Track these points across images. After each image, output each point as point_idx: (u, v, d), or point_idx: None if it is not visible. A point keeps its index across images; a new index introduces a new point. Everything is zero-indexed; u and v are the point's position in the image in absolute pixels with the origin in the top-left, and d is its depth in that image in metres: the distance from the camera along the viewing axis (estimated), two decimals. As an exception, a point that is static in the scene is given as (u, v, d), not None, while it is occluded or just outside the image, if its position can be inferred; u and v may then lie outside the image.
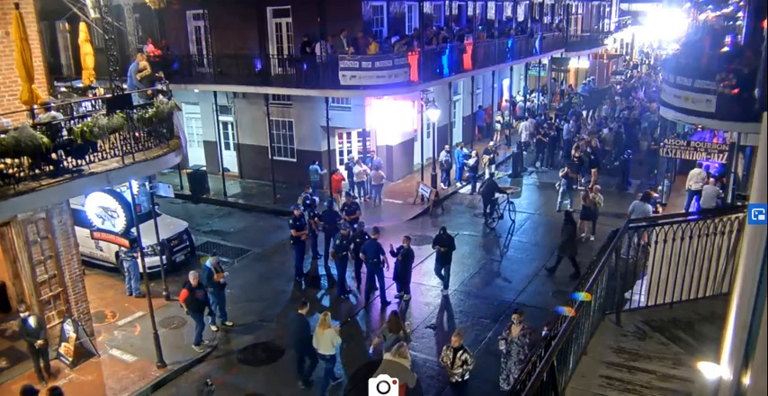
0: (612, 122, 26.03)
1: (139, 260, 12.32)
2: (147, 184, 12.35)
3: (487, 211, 17.75)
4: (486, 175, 20.84)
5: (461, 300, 13.47)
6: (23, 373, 10.44)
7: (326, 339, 9.89)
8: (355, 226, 14.28)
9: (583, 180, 20.16)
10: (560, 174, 18.87)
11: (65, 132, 8.59)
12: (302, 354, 10.50)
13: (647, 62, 47.17)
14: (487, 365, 11.08)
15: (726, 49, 14.52)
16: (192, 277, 11.38)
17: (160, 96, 10.47)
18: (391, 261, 13.05)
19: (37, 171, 8.20)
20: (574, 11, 36.83)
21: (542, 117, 27.77)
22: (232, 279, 13.20)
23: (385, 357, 8.76)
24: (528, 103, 30.30)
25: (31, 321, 10.12)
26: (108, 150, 9.13)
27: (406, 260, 12.89)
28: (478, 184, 19.78)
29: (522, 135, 24.76)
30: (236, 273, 14.47)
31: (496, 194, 17.73)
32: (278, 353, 11.63)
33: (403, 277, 13.09)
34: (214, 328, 12.30)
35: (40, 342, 10.11)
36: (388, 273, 13.25)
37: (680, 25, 29.22)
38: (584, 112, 30.22)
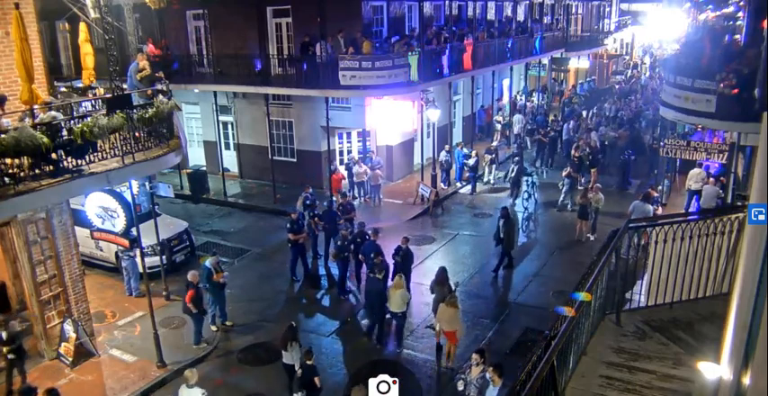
0: (609, 123, 26.42)
1: (138, 260, 12.34)
2: (147, 184, 12.34)
3: (515, 193, 19.47)
4: (489, 169, 21.99)
5: (461, 300, 13.30)
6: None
7: (398, 298, 11.22)
8: (356, 225, 14.28)
9: (583, 180, 20.18)
10: (563, 173, 18.92)
11: (65, 132, 8.58)
12: (376, 312, 11.68)
13: (649, 62, 47.05)
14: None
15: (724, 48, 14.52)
16: (192, 276, 11.45)
17: (160, 96, 10.47)
18: (391, 262, 13.03)
19: (37, 171, 8.20)
20: (574, 11, 36.83)
21: (543, 116, 27.86)
22: (232, 279, 13.18)
23: (440, 306, 10.76)
24: (528, 104, 30.33)
25: (3, 334, 9.93)
26: (108, 150, 9.13)
27: (405, 261, 12.87)
28: (509, 171, 20.60)
29: (515, 128, 26.24)
30: (236, 273, 14.46)
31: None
32: (278, 353, 11.60)
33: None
34: (214, 328, 12.30)
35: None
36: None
37: (680, 25, 29.23)
38: (584, 112, 30.29)
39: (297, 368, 9.42)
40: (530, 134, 26.09)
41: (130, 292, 13.45)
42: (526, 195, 19.14)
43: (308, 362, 9.14)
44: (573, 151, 20.34)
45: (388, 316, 11.78)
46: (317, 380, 9.10)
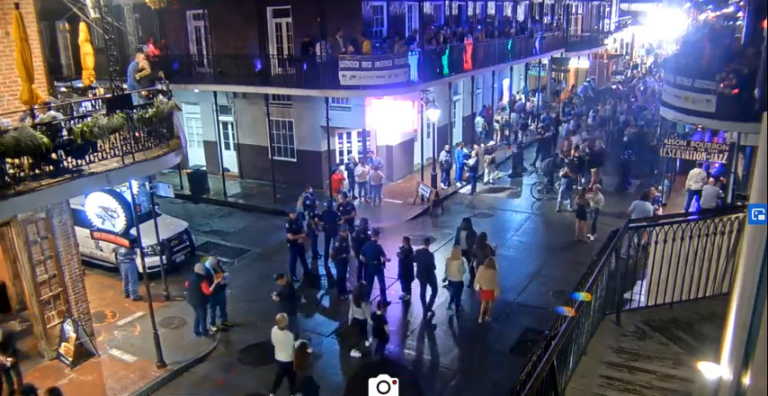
0: (609, 125, 26.56)
1: (138, 261, 12.31)
2: (147, 184, 12.34)
3: (550, 181, 20.63)
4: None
5: (462, 300, 13.41)
6: (23, 372, 10.41)
7: (455, 268, 12.28)
8: (355, 225, 14.26)
9: (583, 180, 20.18)
10: (560, 173, 18.92)
11: (65, 132, 8.59)
12: (427, 282, 12.48)
13: (650, 63, 47.00)
14: (488, 364, 11.13)
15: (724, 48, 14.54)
16: (200, 268, 11.69)
17: (160, 96, 10.47)
18: (394, 262, 13.02)
19: (37, 171, 8.20)
20: (574, 11, 36.84)
21: (545, 114, 27.89)
22: (232, 279, 13.18)
23: (479, 268, 12.04)
24: (528, 103, 30.35)
25: None
26: (108, 150, 9.14)
27: (407, 260, 12.82)
28: (543, 164, 21.43)
29: (514, 126, 26.96)
30: (236, 273, 14.45)
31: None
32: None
33: (405, 276, 13.00)
34: (214, 328, 12.29)
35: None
36: (390, 273, 13.24)
37: (680, 25, 29.28)
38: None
39: (369, 321, 11.06)
40: (522, 129, 26.62)
41: (128, 295, 13.41)
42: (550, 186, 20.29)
43: (378, 312, 10.90)
44: (573, 151, 20.35)
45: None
46: (385, 327, 10.83)
